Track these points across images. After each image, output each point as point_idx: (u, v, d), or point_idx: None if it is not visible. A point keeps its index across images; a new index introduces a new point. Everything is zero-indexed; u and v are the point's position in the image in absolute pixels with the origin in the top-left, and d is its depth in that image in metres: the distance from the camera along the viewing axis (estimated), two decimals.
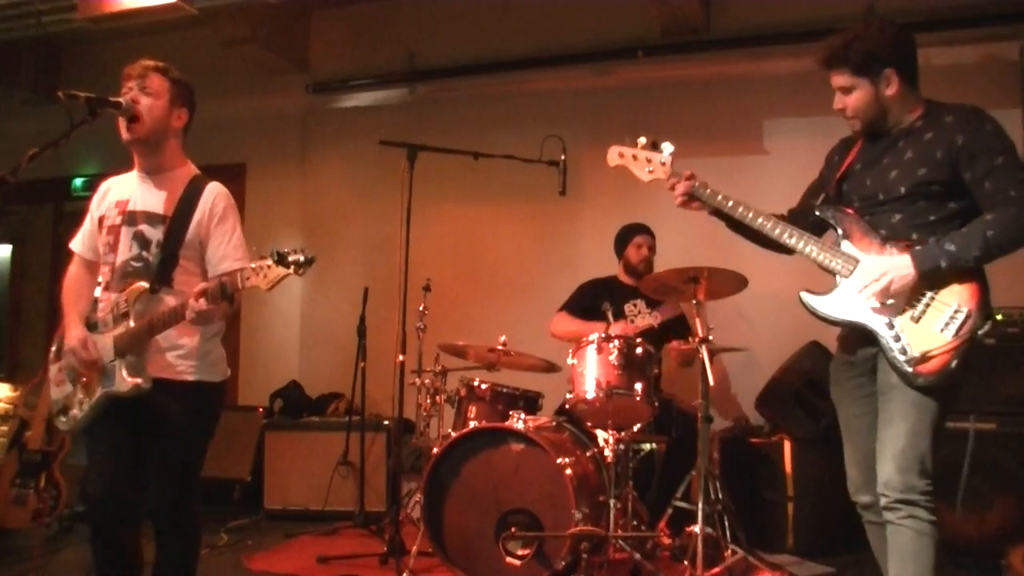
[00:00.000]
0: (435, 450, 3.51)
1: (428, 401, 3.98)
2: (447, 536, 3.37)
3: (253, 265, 2.19)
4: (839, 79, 2.36)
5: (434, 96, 5.58)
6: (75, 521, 4.32)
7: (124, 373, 2.39)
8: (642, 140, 2.64)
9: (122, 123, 2.47)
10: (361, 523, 4.40)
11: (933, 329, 2.20)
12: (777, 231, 2.41)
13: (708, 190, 2.53)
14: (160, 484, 2.45)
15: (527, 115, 5.19)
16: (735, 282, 3.46)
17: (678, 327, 4.21)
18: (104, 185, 2.67)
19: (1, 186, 2.22)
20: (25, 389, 4.57)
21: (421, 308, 4.06)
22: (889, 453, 2.23)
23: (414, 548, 3.52)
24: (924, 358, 2.19)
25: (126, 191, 2.57)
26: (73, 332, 2.50)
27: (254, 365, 5.84)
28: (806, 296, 2.42)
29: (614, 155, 2.70)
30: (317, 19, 5.89)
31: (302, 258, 2.15)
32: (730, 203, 2.49)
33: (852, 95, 2.35)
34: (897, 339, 2.23)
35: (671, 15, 4.82)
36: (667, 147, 2.61)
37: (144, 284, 2.42)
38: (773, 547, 3.86)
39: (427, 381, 3.99)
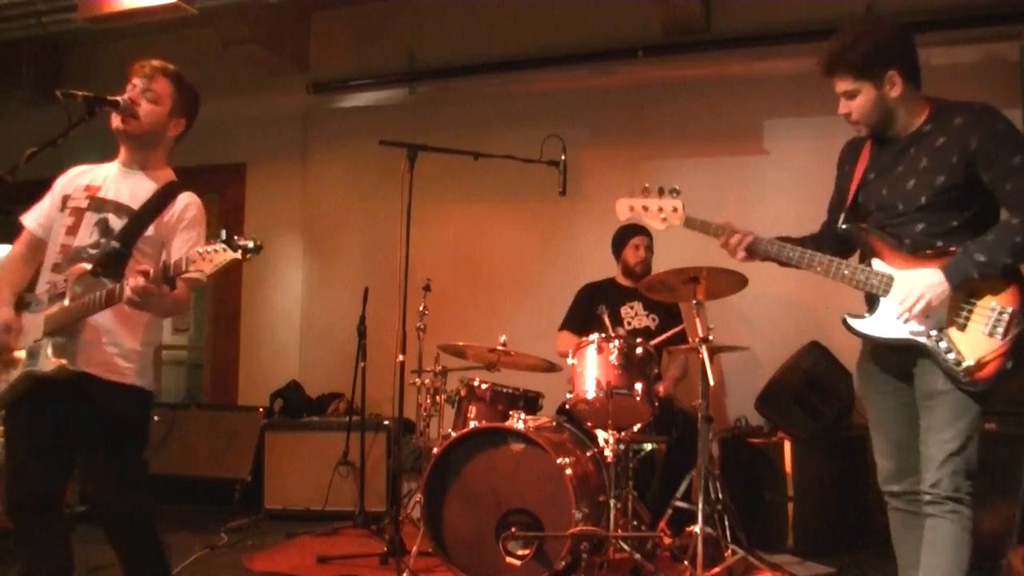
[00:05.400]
0: (435, 450, 3.51)
1: (428, 401, 3.98)
2: (447, 536, 3.37)
3: (200, 250, 2.12)
4: (842, 84, 2.33)
5: (434, 96, 5.58)
6: (75, 522, 4.31)
7: (49, 352, 2.30)
8: (647, 187, 2.61)
9: (116, 116, 2.45)
10: (361, 523, 4.39)
11: (981, 334, 2.21)
12: (806, 262, 2.39)
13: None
14: (98, 489, 2.37)
15: (527, 115, 5.18)
16: (735, 282, 3.45)
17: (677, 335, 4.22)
18: (76, 169, 2.61)
19: (0, 186, 2.21)
20: None
21: (421, 308, 4.06)
22: (939, 458, 2.23)
23: (414, 548, 3.52)
24: (980, 365, 2.19)
25: (99, 178, 2.53)
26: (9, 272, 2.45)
27: (254, 365, 5.84)
28: (851, 320, 2.39)
29: (624, 209, 2.67)
30: (317, 19, 5.89)
31: (251, 244, 2.09)
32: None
33: (856, 99, 2.33)
34: (949, 351, 2.23)
35: (671, 15, 4.81)
36: (675, 190, 2.59)
37: (87, 266, 2.34)
38: (773, 547, 3.85)
39: (427, 381, 3.99)
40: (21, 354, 2.40)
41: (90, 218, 2.45)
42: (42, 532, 2.40)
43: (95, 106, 2.36)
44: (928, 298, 2.22)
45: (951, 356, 2.22)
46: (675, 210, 2.59)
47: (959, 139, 2.24)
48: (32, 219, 2.58)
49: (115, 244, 2.39)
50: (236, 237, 2.10)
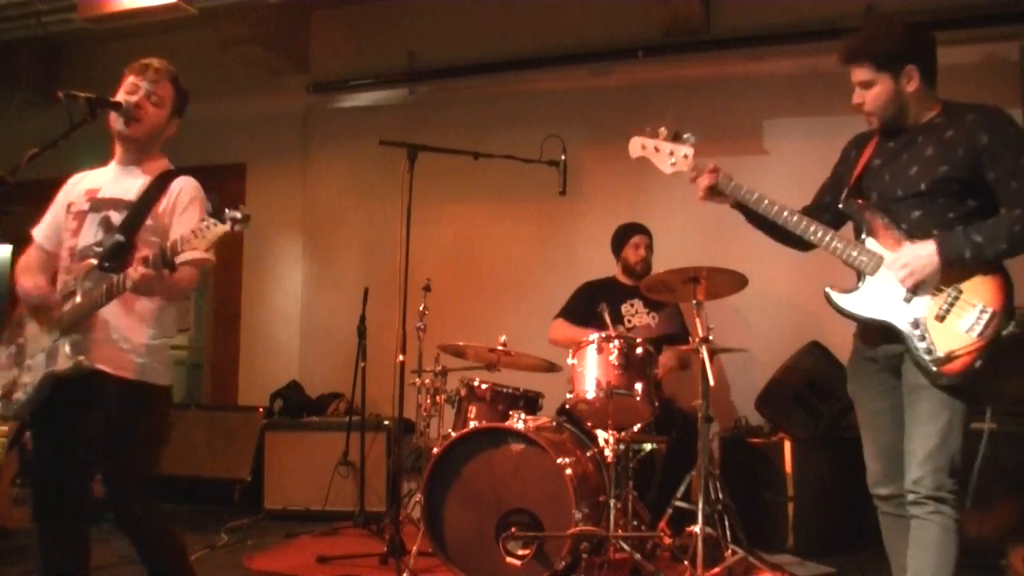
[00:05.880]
0: (435, 450, 3.51)
1: (428, 401, 3.99)
2: (447, 536, 3.37)
3: (193, 228, 2.14)
4: (860, 73, 2.35)
5: (434, 96, 5.58)
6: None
7: (67, 349, 2.32)
8: (663, 131, 2.63)
9: (118, 118, 2.46)
10: (361, 523, 4.39)
11: (958, 329, 2.21)
12: (802, 226, 2.40)
13: (732, 183, 2.51)
14: (106, 486, 2.39)
15: (527, 115, 5.18)
16: (735, 282, 3.45)
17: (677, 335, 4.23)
18: (75, 176, 2.64)
19: (1, 186, 2.21)
20: None
21: (421, 308, 4.06)
22: (921, 453, 2.23)
23: (414, 548, 3.52)
24: (949, 358, 2.19)
25: (98, 180, 2.56)
26: (24, 280, 2.46)
27: (254, 365, 5.84)
28: (832, 293, 2.39)
29: (636, 146, 2.68)
30: (317, 19, 5.89)
31: (239, 215, 2.11)
32: (754, 197, 2.47)
33: (872, 90, 2.34)
34: (922, 338, 2.23)
35: (672, 15, 4.81)
36: (689, 138, 2.60)
37: (93, 261, 2.36)
38: (773, 547, 3.86)
39: (427, 381, 4.00)
40: (40, 358, 2.41)
41: (92, 218, 2.47)
42: (61, 538, 2.42)
43: (97, 107, 2.37)
44: (913, 267, 2.23)
45: (923, 344, 2.22)
46: (685, 157, 2.59)
47: (969, 134, 2.26)
48: (39, 232, 2.63)
49: (118, 237, 2.39)
50: (227, 210, 2.11)
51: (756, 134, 4.88)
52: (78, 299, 2.35)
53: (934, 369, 2.20)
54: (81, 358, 2.32)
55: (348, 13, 5.81)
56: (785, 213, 2.42)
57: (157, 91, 2.49)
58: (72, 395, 2.35)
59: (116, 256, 2.34)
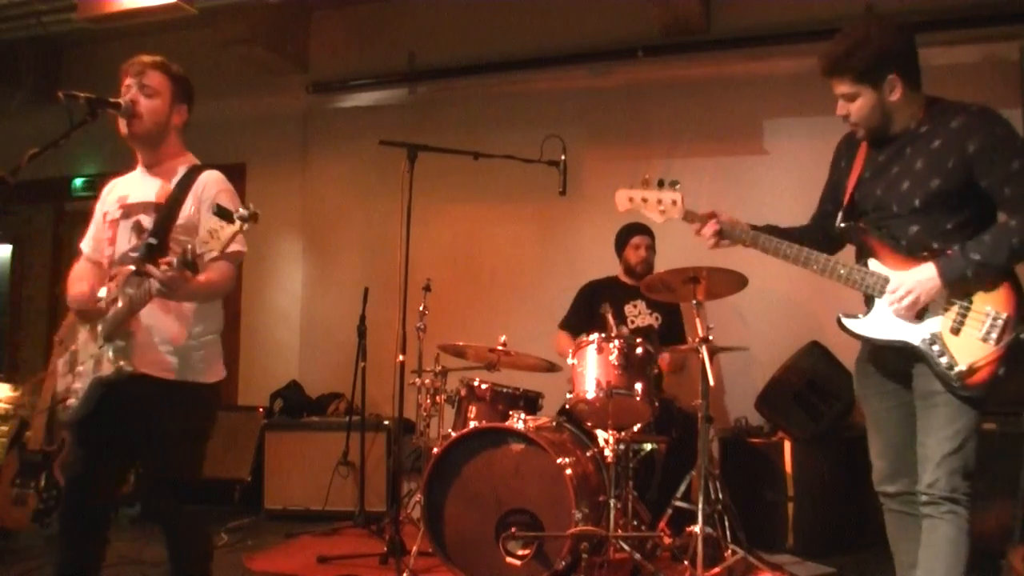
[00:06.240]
0: (435, 450, 3.51)
1: (428, 401, 3.99)
2: (447, 536, 3.37)
3: (210, 228, 2.16)
4: (841, 87, 2.32)
5: (434, 96, 5.58)
6: None
7: (110, 355, 2.36)
8: (647, 179, 2.60)
9: (122, 120, 2.49)
10: (361, 523, 4.40)
11: (975, 339, 2.20)
12: (803, 259, 2.40)
13: (736, 229, 2.50)
14: (147, 485, 2.45)
15: (527, 115, 5.18)
16: (735, 281, 3.46)
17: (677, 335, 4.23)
18: (109, 184, 2.69)
19: (1, 186, 2.22)
20: (25, 389, 4.57)
21: (421, 308, 4.06)
22: (936, 458, 2.22)
23: (414, 548, 3.52)
24: (972, 370, 2.18)
25: (127, 187, 2.60)
26: (73, 288, 2.52)
27: (254, 365, 5.84)
28: (846, 320, 2.38)
29: (623, 200, 2.66)
30: (317, 19, 5.89)
31: (245, 213, 2.13)
32: (759, 238, 2.46)
33: (855, 102, 2.32)
34: (942, 354, 2.22)
35: (671, 15, 4.81)
36: (676, 183, 2.57)
37: (131, 267, 2.39)
38: (773, 547, 3.86)
39: (427, 381, 4.00)
40: (89, 364, 2.44)
41: (125, 225, 2.51)
42: (81, 538, 2.45)
43: (97, 107, 2.38)
44: (917, 294, 2.23)
45: (944, 360, 2.22)
46: (674, 203, 2.58)
47: (956, 142, 2.23)
48: (85, 245, 2.68)
49: (152, 240, 2.43)
50: (229, 210, 2.14)
51: (756, 134, 4.89)
52: (119, 305, 2.38)
53: (958, 383, 2.19)
54: (122, 363, 2.34)
55: (348, 13, 5.81)
56: (784, 247, 2.42)
57: (147, 82, 2.50)
58: (118, 399, 2.38)
59: (152, 260, 2.37)
